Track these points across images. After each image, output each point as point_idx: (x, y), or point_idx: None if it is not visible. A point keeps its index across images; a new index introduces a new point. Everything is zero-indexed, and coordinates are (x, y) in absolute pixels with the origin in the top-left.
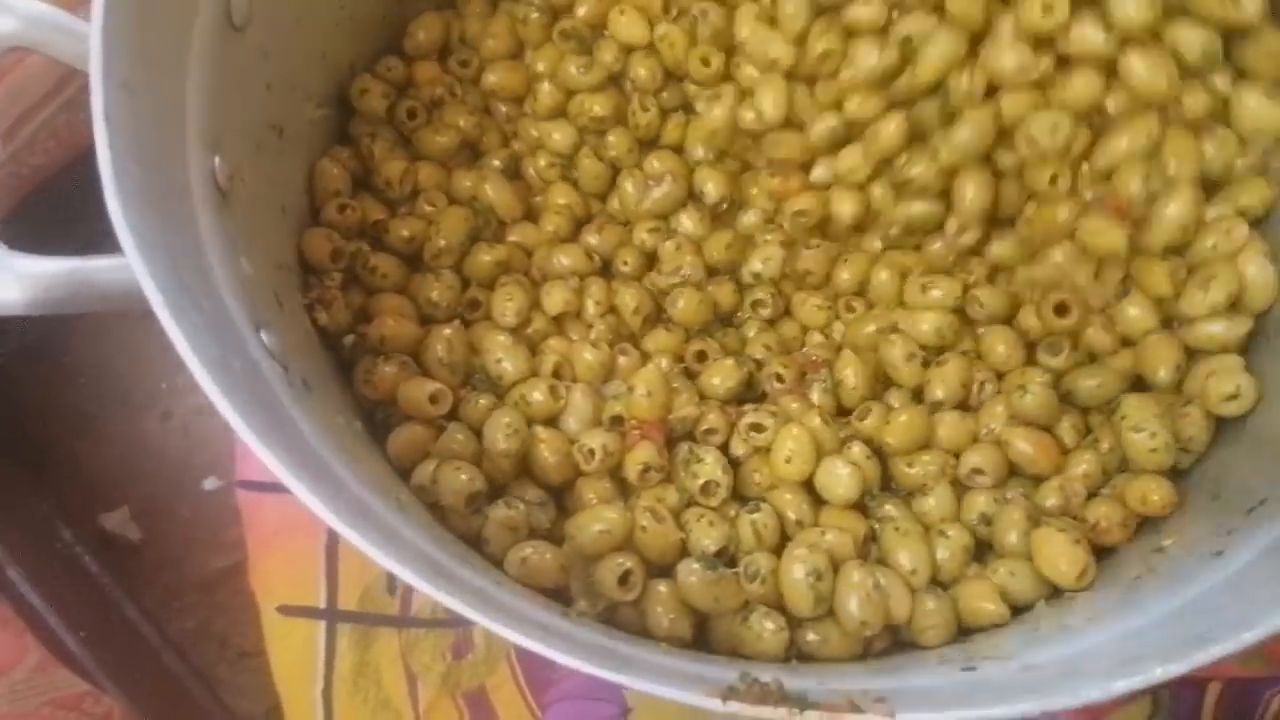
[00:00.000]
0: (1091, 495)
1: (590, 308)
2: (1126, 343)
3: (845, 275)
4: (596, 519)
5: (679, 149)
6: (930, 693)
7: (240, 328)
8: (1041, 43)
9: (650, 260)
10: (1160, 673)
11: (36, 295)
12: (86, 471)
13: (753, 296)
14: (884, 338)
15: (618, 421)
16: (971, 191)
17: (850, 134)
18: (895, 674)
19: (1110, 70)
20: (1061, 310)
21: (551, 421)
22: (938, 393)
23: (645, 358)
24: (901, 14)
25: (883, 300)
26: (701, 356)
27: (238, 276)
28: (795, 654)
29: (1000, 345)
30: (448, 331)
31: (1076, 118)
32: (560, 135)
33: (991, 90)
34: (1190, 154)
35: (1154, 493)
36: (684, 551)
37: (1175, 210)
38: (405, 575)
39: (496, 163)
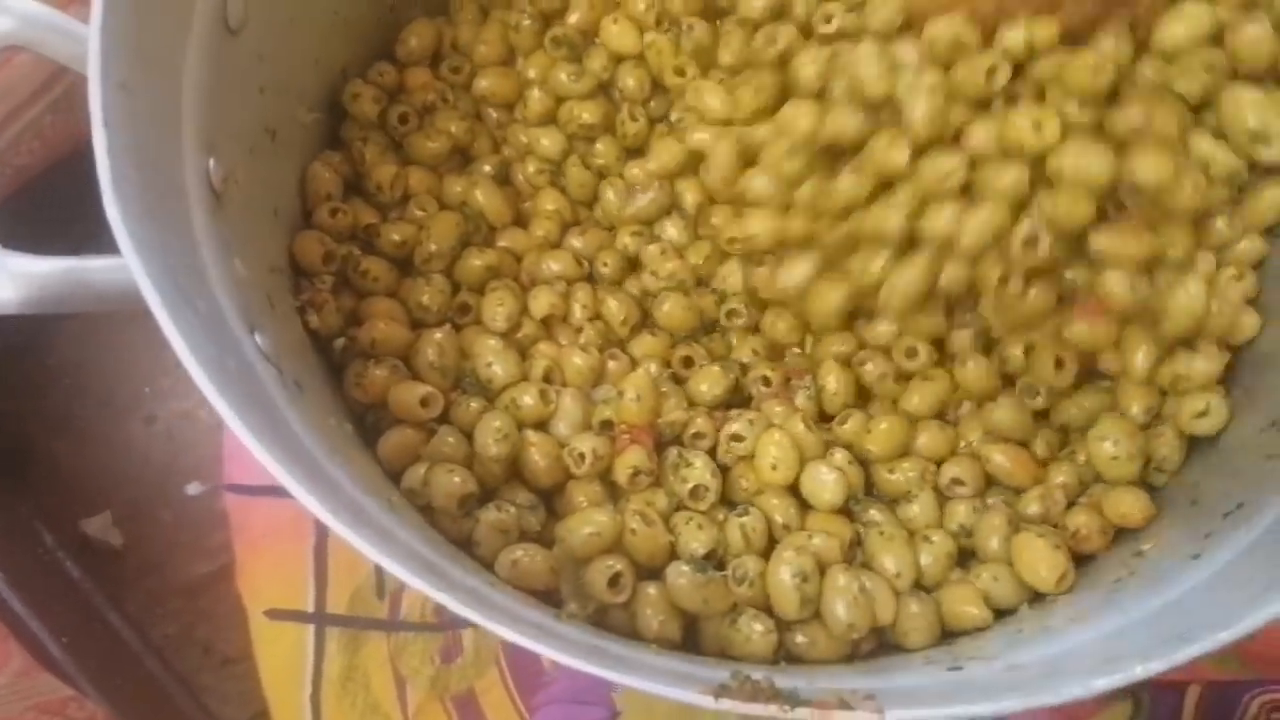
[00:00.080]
0: (1071, 504)
1: (577, 312)
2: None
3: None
4: (586, 522)
5: None
6: (917, 692)
7: (234, 329)
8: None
9: (632, 264)
10: (1140, 671)
11: (31, 294)
12: (68, 475)
13: (728, 306)
14: (857, 358)
15: (607, 426)
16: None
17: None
18: (882, 674)
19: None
20: (1058, 364)
21: (542, 425)
22: (916, 405)
23: (634, 363)
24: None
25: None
26: (688, 362)
27: (231, 278)
28: (784, 656)
29: (974, 376)
30: (438, 335)
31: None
32: (549, 141)
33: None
34: (1189, 240)
35: (1134, 509)
36: (673, 554)
37: (1186, 301)
38: (402, 574)
39: (487, 168)
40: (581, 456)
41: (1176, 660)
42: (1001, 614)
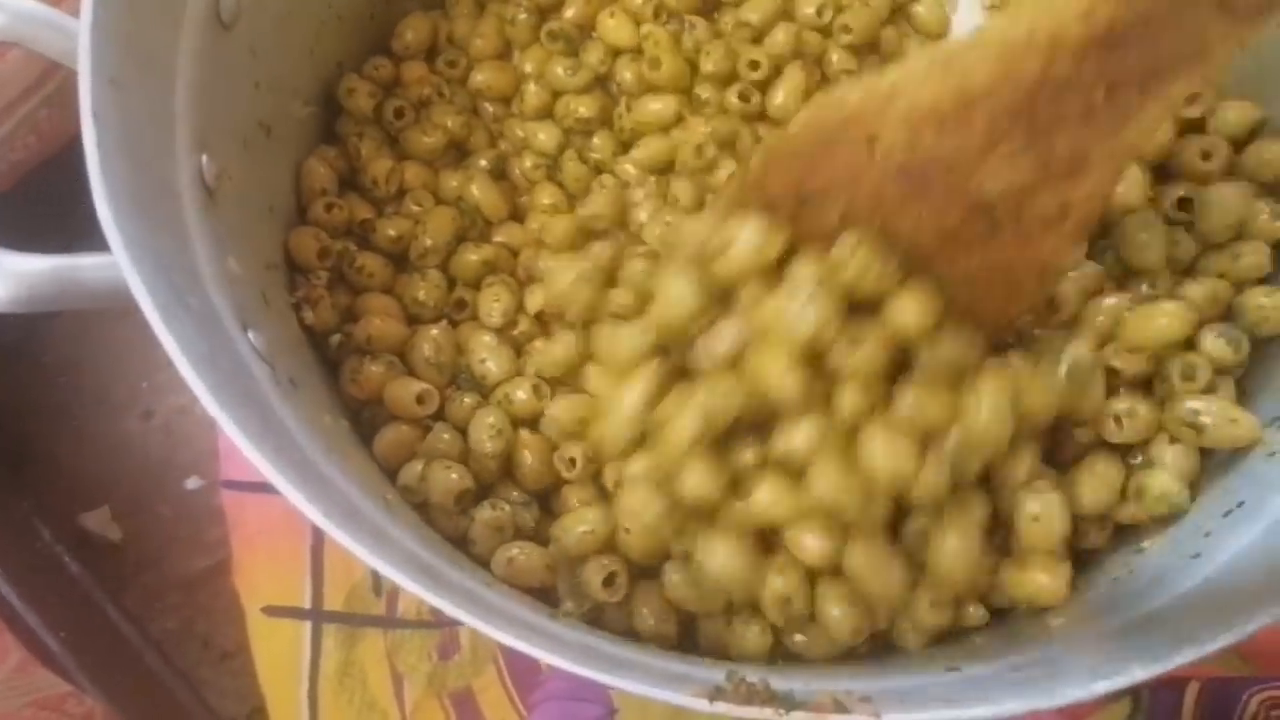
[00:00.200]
0: None
1: None
2: None
3: None
4: (580, 521)
5: None
6: (915, 692)
7: (228, 326)
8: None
9: None
10: (1140, 673)
11: (21, 293)
12: (66, 470)
13: None
14: None
15: None
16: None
17: None
18: (880, 674)
19: None
20: None
21: (535, 421)
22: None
23: None
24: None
25: None
26: None
27: (225, 275)
28: (781, 655)
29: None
30: (435, 331)
31: None
32: (546, 136)
33: None
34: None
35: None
36: (668, 553)
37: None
38: (393, 575)
39: (483, 163)
40: (573, 461)
41: (1176, 662)
42: (1000, 614)
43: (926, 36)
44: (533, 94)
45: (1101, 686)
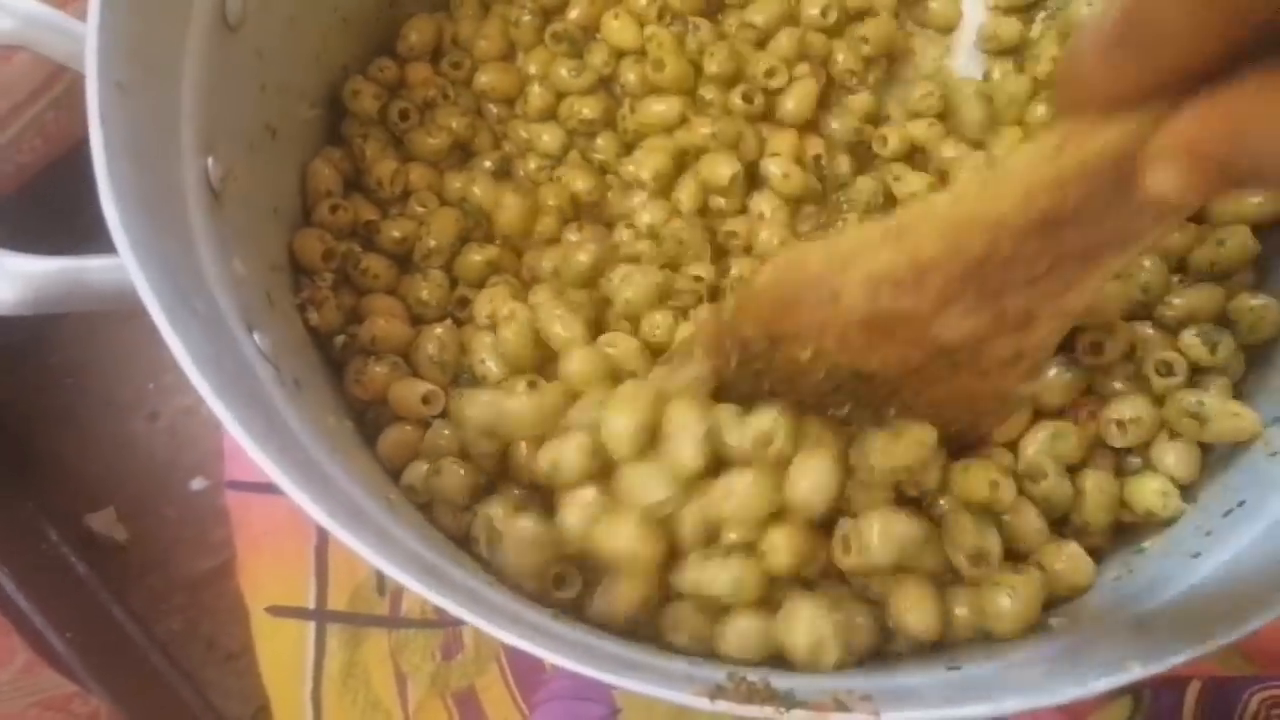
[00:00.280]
0: None
1: None
2: None
3: None
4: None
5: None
6: (915, 691)
7: (233, 328)
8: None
9: None
10: (1140, 671)
11: (28, 295)
12: (73, 472)
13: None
14: None
15: None
16: None
17: None
18: (880, 673)
19: None
20: None
21: None
22: None
23: None
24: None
25: None
26: None
27: (230, 277)
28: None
29: None
30: (439, 331)
31: None
32: (549, 137)
33: None
34: None
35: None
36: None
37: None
38: (397, 575)
39: (488, 164)
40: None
41: (1176, 661)
42: None
43: (937, 31)
44: (536, 95)
45: (1101, 685)
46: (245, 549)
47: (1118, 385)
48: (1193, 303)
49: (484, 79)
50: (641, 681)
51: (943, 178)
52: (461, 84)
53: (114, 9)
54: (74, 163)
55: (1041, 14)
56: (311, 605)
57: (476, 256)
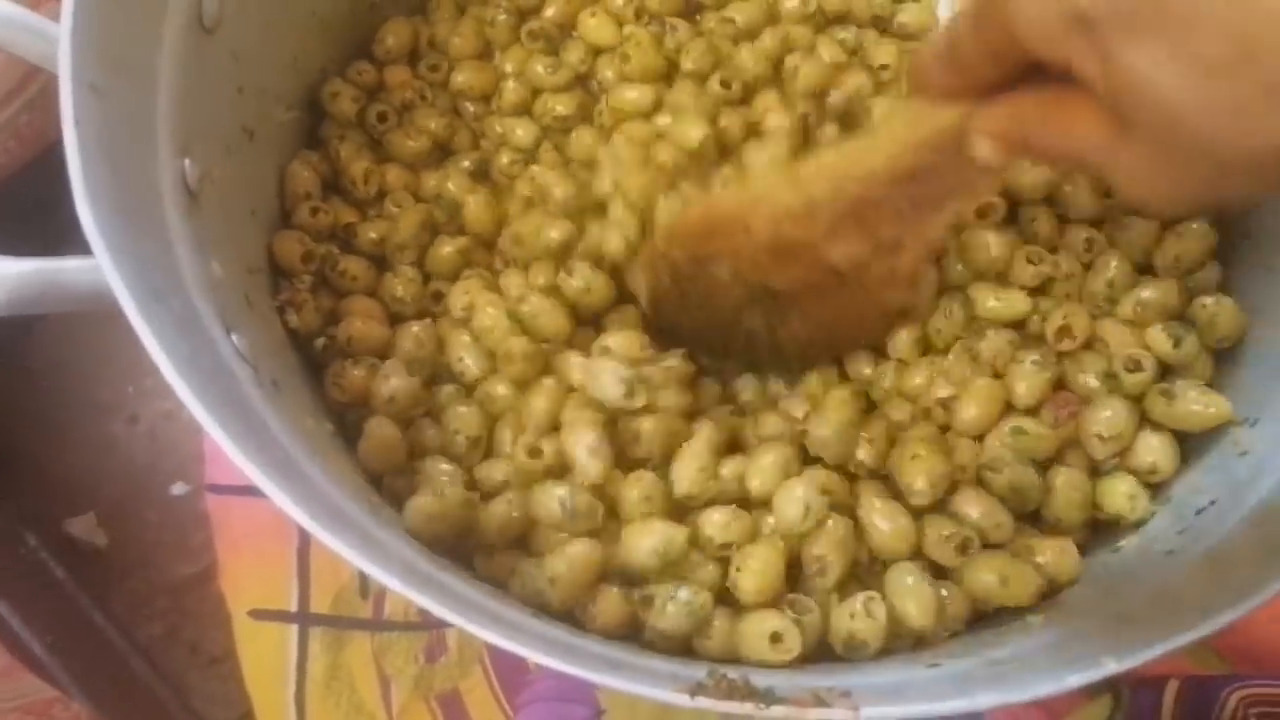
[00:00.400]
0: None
1: None
2: None
3: None
4: None
5: None
6: (894, 688)
7: (210, 329)
8: None
9: None
10: (1114, 665)
11: (2, 296)
12: (51, 476)
13: None
14: None
15: None
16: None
17: None
18: (860, 670)
19: None
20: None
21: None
22: None
23: None
24: None
25: None
26: None
27: (208, 279)
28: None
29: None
30: (416, 328)
31: None
32: (523, 132)
33: None
34: None
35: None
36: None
37: None
38: (380, 576)
39: (466, 164)
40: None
41: (1147, 656)
42: (980, 612)
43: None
44: (511, 90)
45: (1074, 680)
46: (226, 552)
47: (1092, 382)
48: (1155, 296)
49: (460, 78)
50: (623, 679)
51: None
52: (439, 86)
53: (87, 10)
54: (49, 164)
55: None
56: (294, 608)
57: (447, 248)
